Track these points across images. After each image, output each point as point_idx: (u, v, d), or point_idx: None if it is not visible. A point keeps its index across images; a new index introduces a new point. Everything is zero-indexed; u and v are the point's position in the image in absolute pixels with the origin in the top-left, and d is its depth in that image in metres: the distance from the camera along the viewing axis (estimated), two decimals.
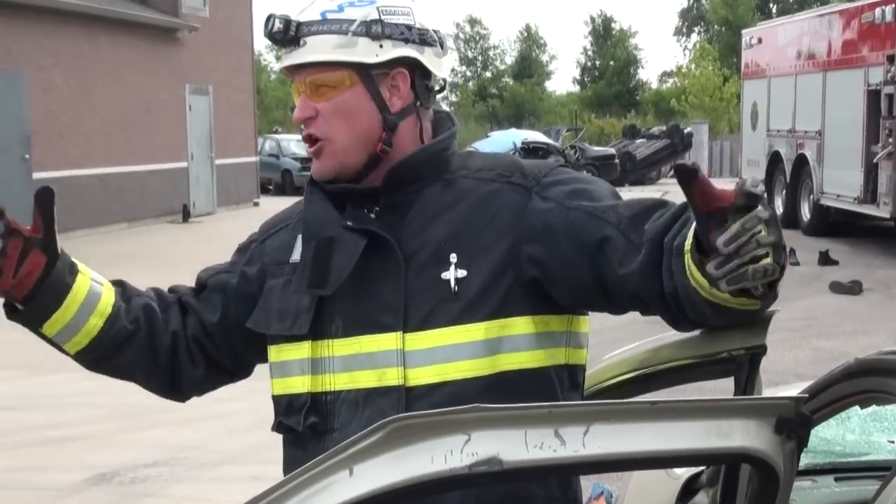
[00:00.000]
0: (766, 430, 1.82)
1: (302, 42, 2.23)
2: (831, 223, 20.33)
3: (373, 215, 2.27)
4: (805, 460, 2.96)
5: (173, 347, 2.47)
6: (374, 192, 2.28)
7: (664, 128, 41.34)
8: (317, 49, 2.23)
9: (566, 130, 47.12)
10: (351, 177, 2.28)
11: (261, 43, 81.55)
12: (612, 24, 73.18)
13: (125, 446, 7.90)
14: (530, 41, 74.71)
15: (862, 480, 2.85)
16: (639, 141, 39.75)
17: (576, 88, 75.70)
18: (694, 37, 75.22)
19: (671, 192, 33.11)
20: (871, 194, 18.65)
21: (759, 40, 25.08)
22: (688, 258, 1.98)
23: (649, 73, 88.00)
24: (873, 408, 2.32)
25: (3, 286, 2.27)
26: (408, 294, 2.21)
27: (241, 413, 8.70)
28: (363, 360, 2.21)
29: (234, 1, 29.44)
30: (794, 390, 2.04)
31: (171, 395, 2.65)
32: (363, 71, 2.24)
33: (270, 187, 35.73)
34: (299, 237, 2.33)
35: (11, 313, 2.34)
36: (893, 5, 17.99)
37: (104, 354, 2.43)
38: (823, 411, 2.20)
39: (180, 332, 2.47)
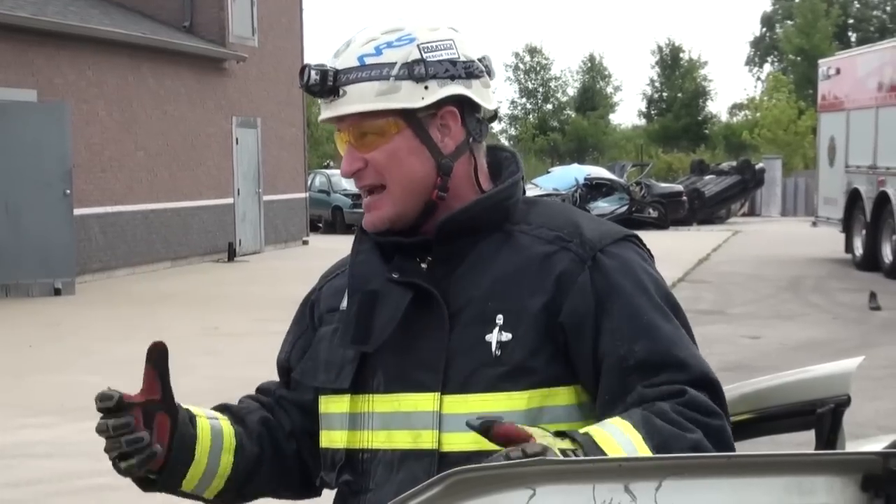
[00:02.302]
0: (852, 487, 1.79)
1: (342, 92, 2.20)
2: None
3: (424, 265, 2.26)
4: None
5: (297, 450, 2.48)
6: (426, 243, 2.26)
7: (734, 163, 41.19)
8: (358, 99, 2.20)
9: (631, 166, 47.08)
10: (405, 227, 2.26)
11: None
12: (681, 54, 73.00)
13: (163, 496, 7.89)
14: (594, 71, 74.73)
15: None
16: (708, 177, 39.62)
17: (642, 121, 75.59)
18: (767, 67, 75.11)
19: (742, 231, 33.04)
20: None
21: (837, 71, 24.95)
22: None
23: (719, 106, 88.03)
24: None
25: (158, 465, 2.28)
26: (449, 353, 2.18)
27: None
28: (401, 420, 2.20)
29: (285, 30, 29.67)
30: (878, 444, 2.00)
31: (307, 494, 2.62)
32: (410, 116, 2.22)
33: (320, 225, 35.90)
34: (350, 265, 2.36)
35: (148, 485, 2.35)
36: None
37: (240, 484, 2.45)
38: None
39: (296, 432, 2.47)
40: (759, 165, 40.54)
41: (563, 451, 1.87)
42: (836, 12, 67.56)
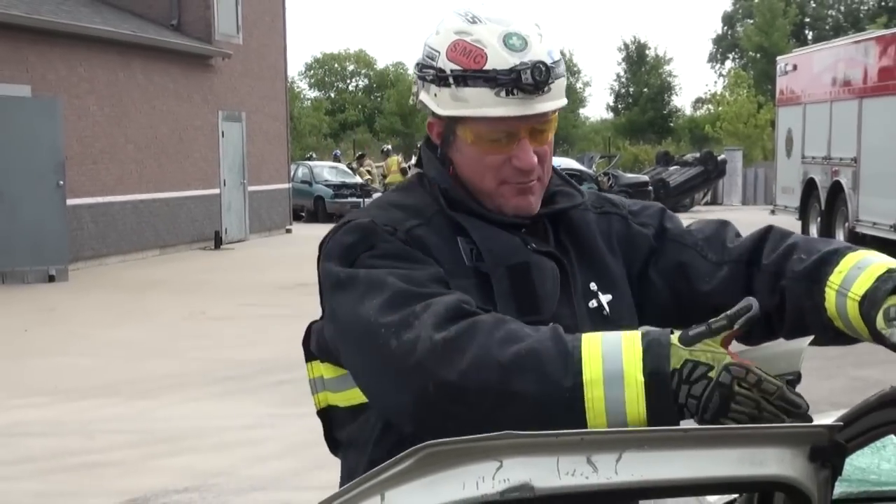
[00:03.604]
0: (801, 458, 1.81)
1: (548, 88, 2.14)
2: None
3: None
4: (840, 489, 2.93)
5: None
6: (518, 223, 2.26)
7: (698, 155, 41.22)
8: (559, 94, 2.18)
9: (600, 157, 47.13)
10: (480, 206, 2.25)
11: (294, 69, 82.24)
12: (647, 51, 73.11)
13: (155, 472, 7.92)
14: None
15: None
16: (672, 168, 39.69)
17: (609, 115, 75.71)
18: (728, 63, 75.28)
19: (706, 218, 32.88)
20: None
21: (794, 67, 25.05)
22: (851, 303, 2.03)
23: (683, 100, 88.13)
24: None
25: None
26: (578, 319, 2.21)
27: (270, 440, 8.73)
28: None
29: (268, 28, 29.60)
30: (829, 419, 2.02)
31: None
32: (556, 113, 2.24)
33: (303, 214, 35.83)
34: (459, 240, 2.19)
35: None
36: None
37: None
38: (858, 440, 2.19)
39: None
40: (721, 157, 40.60)
41: None
42: (793, 11, 67.76)
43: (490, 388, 1.86)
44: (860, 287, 2.02)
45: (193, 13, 25.96)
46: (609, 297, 2.26)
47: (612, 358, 1.87)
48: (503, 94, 2.13)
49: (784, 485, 1.83)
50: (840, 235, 21.43)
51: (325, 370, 2.29)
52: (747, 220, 30.39)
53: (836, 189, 21.66)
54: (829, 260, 2.12)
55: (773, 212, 26.69)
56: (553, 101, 2.17)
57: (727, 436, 1.78)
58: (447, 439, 1.69)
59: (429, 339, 1.92)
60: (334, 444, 2.38)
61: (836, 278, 2.08)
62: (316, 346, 2.29)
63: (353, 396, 2.21)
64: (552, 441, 1.70)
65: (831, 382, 9.41)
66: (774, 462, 1.78)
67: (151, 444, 8.66)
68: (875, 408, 2.12)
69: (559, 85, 2.17)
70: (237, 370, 11.50)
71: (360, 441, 2.25)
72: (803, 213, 23.50)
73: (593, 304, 2.25)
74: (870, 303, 1.98)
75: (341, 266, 2.13)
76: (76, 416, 9.60)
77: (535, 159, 2.19)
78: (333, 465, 2.48)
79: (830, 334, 2.12)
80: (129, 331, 14.13)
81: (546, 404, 1.85)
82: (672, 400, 1.84)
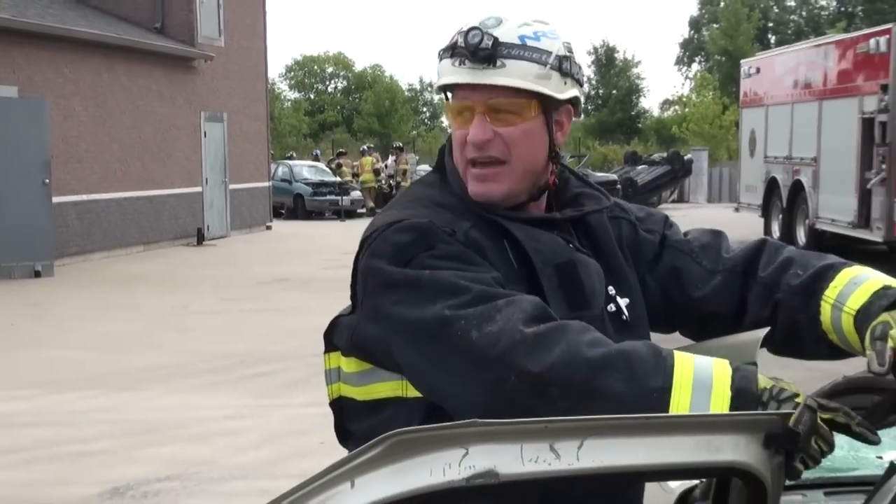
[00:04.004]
0: (755, 444, 1.81)
1: (500, 62, 2.11)
2: (826, 247, 20.30)
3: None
4: None
5: None
6: (554, 223, 2.24)
7: (665, 154, 41.29)
8: (517, 74, 2.12)
9: (570, 157, 47.06)
10: (512, 204, 2.21)
11: (274, 71, 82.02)
12: (615, 54, 73.21)
13: (138, 462, 7.90)
14: None
15: (850, 495, 2.84)
16: (640, 167, 39.74)
17: (580, 116, 75.70)
18: (694, 66, 75.36)
19: (672, 216, 32.89)
20: (864, 219, 18.68)
21: (758, 70, 25.12)
22: (846, 317, 2.06)
23: (651, 102, 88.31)
24: None
25: None
26: (604, 321, 2.20)
27: (249, 430, 8.71)
28: None
29: (249, 31, 29.51)
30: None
31: None
32: (547, 104, 2.18)
33: (283, 211, 35.77)
34: (506, 242, 2.16)
35: None
36: (887, 37, 18.05)
37: None
38: None
39: None
40: (688, 156, 40.69)
41: None
42: (756, 16, 67.93)
43: (574, 384, 1.85)
44: (856, 302, 2.04)
45: (177, 17, 25.86)
46: (627, 300, 2.26)
47: (703, 369, 1.89)
48: (457, 63, 2.14)
49: (739, 470, 1.84)
50: (801, 232, 21.53)
51: (345, 363, 2.24)
52: (712, 217, 30.43)
53: (797, 187, 21.74)
54: (825, 275, 2.14)
55: (737, 209, 26.77)
56: (502, 78, 2.12)
57: (685, 423, 1.79)
58: (415, 427, 1.69)
59: (518, 332, 1.89)
60: (345, 434, 2.32)
61: (831, 293, 2.10)
62: (347, 341, 2.21)
63: (374, 391, 2.18)
64: (516, 429, 1.71)
65: (789, 373, 9.40)
66: (730, 449, 1.79)
67: (135, 435, 8.63)
68: (829, 396, 2.13)
69: (521, 66, 2.12)
70: (218, 363, 11.47)
71: (374, 436, 2.22)
72: (766, 211, 23.58)
73: (612, 307, 2.24)
74: (863, 317, 2.00)
75: (394, 265, 2.05)
76: (61, 408, 9.57)
77: (487, 135, 2.15)
78: (310, 454, 2.49)
79: (824, 348, 2.15)
80: (114, 324, 14.08)
81: (629, 404, 1.84)
82: None
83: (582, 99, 2.27)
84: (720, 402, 1.86)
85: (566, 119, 2.25)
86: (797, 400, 1.84)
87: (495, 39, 2.11)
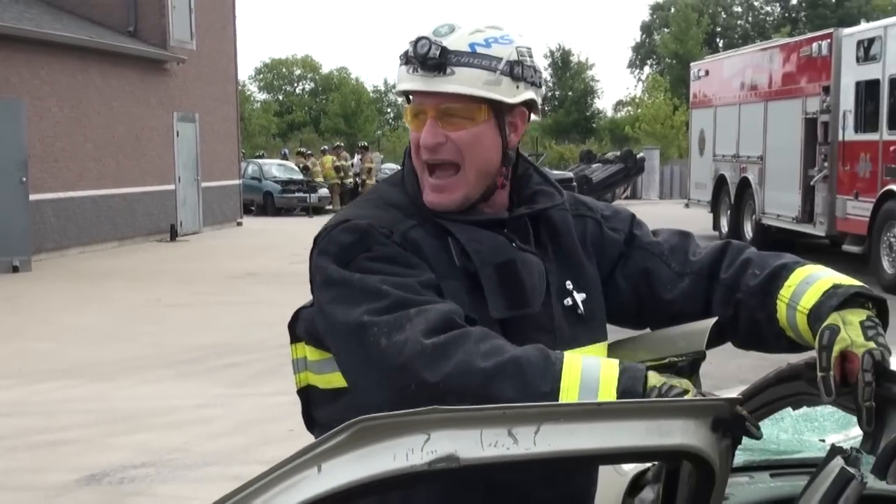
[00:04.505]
0: (704, 428, 1.82)
1: (449, 70, 2.11)
2: (772, 241, 20.43)
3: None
4: (743, 458, 2.97)
5: None
6: (502, 222, 2.23)
7: (618, 153, 41.42)
8: (465, 81, 2.12)
9: (528, 156, 47.15)
10: (466, 208, 2.20)
11: (244, 73, 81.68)
12: (571, 57, 73.34)
13: (114, 449, 7.85)
14: None
15: (795, 476, 2.86)
16: (595, 165, 39.84)
17: (539, 116, 75.83)
18: (646, 69, 75.68)
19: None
20: (808, 214, 18.84)
21: (706, 72, 25.26)
22: (800, 316, 2.07)
23: (605, 103, 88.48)
24: (804, 409, 2.33)
25: None
26: (554, 316, 2.20)
27: (221, 418, 8.68)
28: None
29: (219, 35, 29.37)
30: (732, 393, 2.04)
31: None
32: (499, 108, 2.17)
33: (252, 208, 35.63)
34: (450, 241, 2.16)
35: None
36: (828, 41, 18.20)
37: None
38: (759, 412, 2.21)
39: None
40: (640, 155, 40.84)
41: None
42: (705, 22, 68.29)
43: (468, 392, 1.87)
44: (808, 301, 2.04)
45: (149, 20, 25.69)
46: (583, 296, 2.26)
47: (590, 372, 1.91)
48: (411, 70, 2.15)
49: (689, 453, 1.85)
50: (748, 227, 21.69)
51: (309, 352, 2.26)
52: (664, 213, 30.53)
53: (744, 184, 21.89)
54: (780, 274, 2.14)
55: (687, 205, 26.90)
56: (451, 85, 2.12)
57: (637, 409, 1.80)
58: (379, 414, 1.69)
59: (418, 343, 1.92)
60: (310, 421, 2.34)
61: (786, 292, 2.10)
62: (305, 331, 2.24)
63: (334, 380, 2.19)
64: (476, 415, 1.71)
65: (739, 361, 9.49)
66: (680, 433, 1.80)
67: (110, 423, 8.58)
68: (773, 383, 2.15)
69: (470, 74, 2.12)
70: (190, 354, 11.42)
71: (336, 422, 2.22)
72: (715, 207, 23.72)
73: (568, 302, 2.24)
74: (815, 317, 2.00)
75: (336, 265, 2.09)
76: (38, 398, 9.50)
77: (438, 139, 2.15)
78: (280, 441, 2.49)
79: (784, 343, 2.15)
80: (89, 317, 13.98)
81: None
82: None
83: (539, 100, 2.25)
84: None
85: (520, 121, 2.24)
86: (686, 398, 1.85)
87: (443, 49, 2.11)
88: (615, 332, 2.37)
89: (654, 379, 1.89)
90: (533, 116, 2.30)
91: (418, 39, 2.13)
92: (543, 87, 2.28)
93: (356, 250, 2.09)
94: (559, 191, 2.35)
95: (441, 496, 2.07)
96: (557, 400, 1.87)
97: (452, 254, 2.15)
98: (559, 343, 2.14)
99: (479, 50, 2.13)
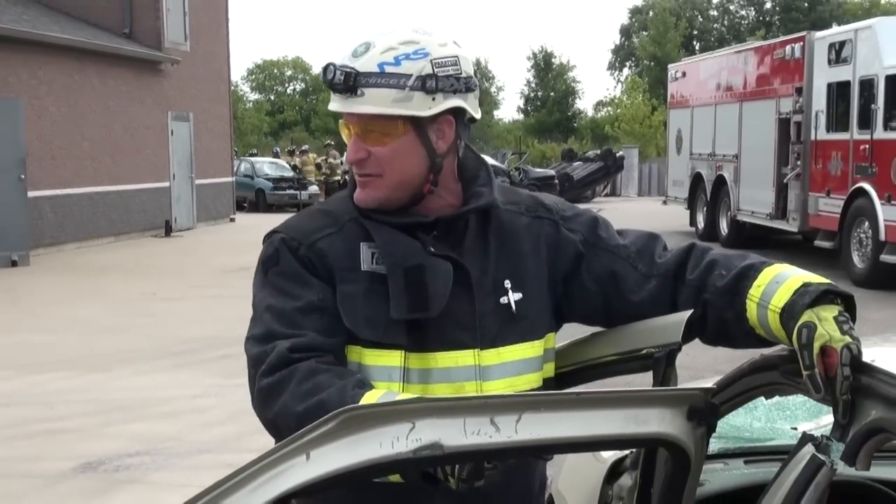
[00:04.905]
0: (679, 417, 1.83)
1: (360, 92, 2.14)
2: (746, 237, 20.53)
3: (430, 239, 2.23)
4: (717, 445, 2.98)
5: None
6: (436, 222, 2.24)
7: (599, 152, 41.47)
8: (375, 101, 2.14)
9: (511, 154, 47.25)
10: (392, 209, 2.22)
11: (237, 74, 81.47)
12: (553, 59, 73.36)
13: (110, 438, 7.83)
14: (480, 74, 74.55)
15: (768, 462, 2.87)
16: (576, 163, 39.88)
17: (520, 116, 75.84)
18: (626, 71, 75.65)
19: (605, 208, 33.30)
20: (781, 211, 18.89)
21: (684, 74, 25.29)
22: (772, 315, 2.04)
23: (586, 103, 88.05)
24: (777, 398, 2.34)
25: None
26: (479, 314, 2.20)
27: (214, 408, 8.67)
28: (438, 375, 2.16)
29: (213, 36, 29.29)
30: (707, 383, 2.05)
31: None
32: (416, 121, 2.16)
33: (245, 205, 35.53)
34: (363, 246, 2.20)
35: None
36: (801, 44, 18.23)
37: None
38: (733, 402, 2.22)
39: None
40: (620, 153, 40.89)
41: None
42: (683, 25, 68.32)
43: (291, 431, 1.87)
44: (780, 300, 2.02)
45: (144, 22, 25.61)
46: (519, 295, 2.24)
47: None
48: (335, 92, 2.20)
49: (665, 441, 1.86)
50: (723, 223, 21.73)
51: None
52: (643, 210, 30.54)
53: (720, 182, 21.93)
54: (747, 274, 2.13)
55: (664, 202, 26.94)
56: (362, 106, 2.15)
57: (616, 399, 1.81)
58: (366, 403, 1.69)
59: (257, 383, 2.08)
60: None
61: (755, 292, 2.08)
62: None
63: None
64: (459, 404, 1.71)
65: (714, 352, 9.49)
66: (656, 421, 1.81)
67: (106, 413, 8.56)
68: (747, 373, 2.15)
69: (378, 94, 2.14)
70: (185, 345, 11.40)
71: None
72: (691, 204, 23.75)
73: (504, 300, 2.23)
74: (788, 315, 1.98)
75: (260, 274, 2.25)
76: (37, 388, 9.47)
77: (358, 154, 2.20)
78: None
79: (753, 340, 2.14)
80: (86, 310, 13.94)
81: None
82: None
83: (467, 104, 2.22)
84: None
85: (447, 128, 2.21)
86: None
87: (349, 72, 2.14)
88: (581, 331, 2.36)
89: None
90: (477, 117, 2.27)
91: (326, 66, 2.17)
92: (476, 91, 2.25)
93: (269, 264, 2.22)
94: (490, 194, 2.30)
95: (352, 492, 2.11)
96: None
97: (360, 259, 2.19)
98: (480, 340, 2.18)
99: (388, 69, 2.14)
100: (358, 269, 2.19)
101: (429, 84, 2.15)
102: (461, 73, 2.20)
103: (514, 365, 2.21)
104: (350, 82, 2.14)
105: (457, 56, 2.20)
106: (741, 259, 2.20)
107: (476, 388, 2.17)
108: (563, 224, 2.34)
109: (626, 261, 2.29)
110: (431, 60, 2.16)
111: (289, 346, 2.07)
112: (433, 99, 2.16)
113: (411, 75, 2.14)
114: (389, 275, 2.15)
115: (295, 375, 2.02)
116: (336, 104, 2.20)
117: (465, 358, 2.15)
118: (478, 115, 2.27)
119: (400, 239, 2.19)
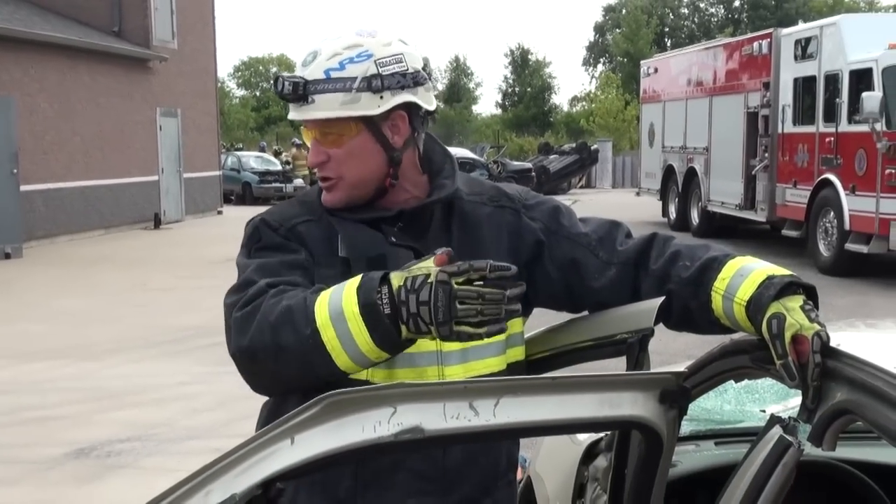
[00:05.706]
0: (651, 400, 1.83)
1: (310, 99, 2.18)
2: (716, 227, 20.61)
3: (395, 230, 2.25)
4: (689, 427, 2.98)
5: None
6: (399, 215, 2.26)
7: (574, 145, 41.49)
8: (324, 106, 2.18)
9: (490, 147, 47.29)
10: (359, 204, 2.25)
11: (223, 71, 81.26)
12: (529, 56, 73.37)
13: (101, 424, 7.81)
14: (459, 70, 74.71)
15: (738, 444, 2.88)
16: (552, 156, 39.91)
17: (498, 111, 75.81)
18: (600, 67, 75.71)
19: (581, 200, 33.35)
20: (750, 201, 18.95)
21: (656, 70, 25.33)
22: (737, 307, 2.02)
23: (562, 98, 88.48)
24: (746, 382, 2.34)
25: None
26: None
27: (203, 395, 8.65)
28: (402, 360, 2.14)
29: (200, 34, 29.18)
30: (679, 367, 2.05)
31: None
32: (367, 120, 2.20)
33: (232, 198, 35.44)
34: (340, 235, 2.23)
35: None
36: (768, 40, 18.29)
37: None
38: (703, 385, 2.21)
39: None
40: (594, 147, 40.94)
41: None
42: (655, 22, 68.45)
43: (267, 345, 1.97)
44: (745, 292, 2.01)
45: (133, 21, 25.51)
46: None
47: (335, 301, 1.94)
48: (287, 102, 2.25)
49: (638, 423, 1.86)
50: (694, 213, 21.80)
51: None
52: (617, 201, 30.62)
53: (690, 174, 21.99)
54: (711, 266, 2.12)
55: (638, 193, 26.99)
56: (314, 112, 2.20)
57: (590, 383, 1.80)
58: (348, 389, 1.69)
59: (232, 318, 2.07)
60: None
61: (720, 284, 2.07)
62: None
63: None
64: (439, 389, 1.71)
65: (685, 337, 9.53)
66: (629, 404, 1.81)
67: (97, 400, 8.53)
68: (717, 357, 2.15)
69: (326, 99, 2.18)
70: (174, 334, 11.36)
71: (292, 398, 2.23)
72: (663, 195, 23.82)
73: None
74: (755, 307, 1.97)
75: (244, 252, 2.25)
76: (30, 377, 9.42)
77: (318, 158, 2.24)
78: (258, 416, 2.48)
79: (718, 329, 2.14)
80: (78, 301, 13.88)
81: (302, 352, 1.95)
82: (391, 322, 1.87)
83: (419, 98, 2.24)
84: (357, 327, 1.90)
85: (401, 123, 2.24)
86: (429, 280, 1.85)
87: (297, 82, 2.19)
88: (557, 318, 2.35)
89: (397, 280, 1.90)
90: (430, 109, 2.29)
91: (276, 78, 2.22)
92: (426, 84, 2.26)
93: (252, 242, 2.24)
94: (452, 185, 2.32)
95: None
96: (320, 336, 1.92)
97: (338, 246, 2.22)
98: None
99: (333, 74, 2.18)
100: (336, 255, 2.22)
101: (374, 84, 2.18)
102: (407, 70, 2.22)
103: (475, 350, 2.20)
104: (300, 91, 2.19)
105: (402, 53, 2.22)
106: (704, 250, 2.20)
107: (438, 373, 2.17)
108: (524, 212, 2.34)
109: (587, 248, 2.29)
110: (375, 61, 2.19)
111: (267, 282, 2.08)
112: (381, 97, 2.19)
113: (356, 77, 2.18)
114: (354, 265, 2.17)
115: (266, 296, 2.04)
116: (293, 113, 2.25)
117: (426, 344, 2.12)
118: (431, 107, 2.29)
119: (363, 232, 2.23)
